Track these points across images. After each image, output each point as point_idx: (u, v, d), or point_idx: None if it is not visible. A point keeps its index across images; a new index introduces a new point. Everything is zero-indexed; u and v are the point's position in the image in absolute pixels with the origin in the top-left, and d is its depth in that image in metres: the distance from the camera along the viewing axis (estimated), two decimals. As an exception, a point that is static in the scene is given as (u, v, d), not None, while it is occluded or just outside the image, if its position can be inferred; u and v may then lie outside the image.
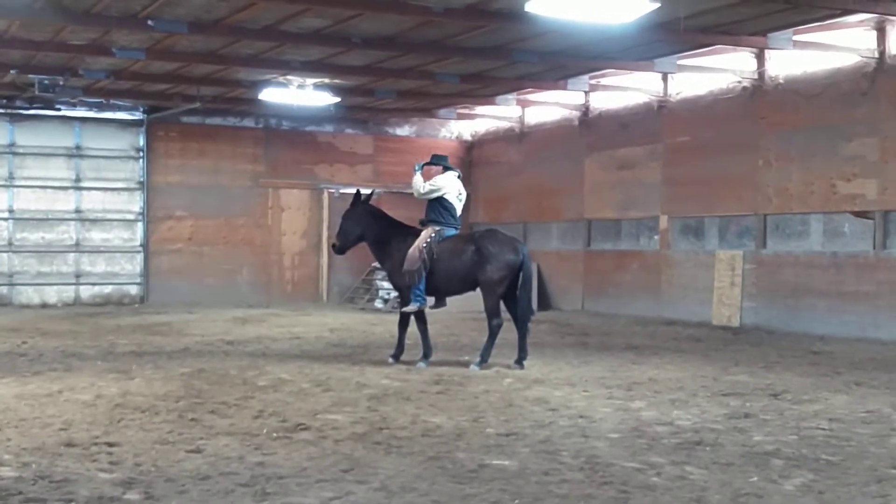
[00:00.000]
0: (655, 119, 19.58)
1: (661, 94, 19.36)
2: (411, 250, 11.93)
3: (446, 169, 12.47)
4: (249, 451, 7.13)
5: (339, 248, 12.86)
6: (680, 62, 17.59)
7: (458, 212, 12.31)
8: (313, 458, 6.90)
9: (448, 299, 12.68)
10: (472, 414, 8.68)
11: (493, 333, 11.92)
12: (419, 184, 12.25)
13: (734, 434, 7.88)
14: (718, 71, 17.73)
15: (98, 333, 15.68)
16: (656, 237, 19.76)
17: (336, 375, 11.01)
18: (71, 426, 7.98)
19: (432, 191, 12.19)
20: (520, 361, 11.81)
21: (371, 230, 12.61)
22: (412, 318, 12.23)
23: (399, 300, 12.74)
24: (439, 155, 13.18)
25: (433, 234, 11.99)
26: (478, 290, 12.12)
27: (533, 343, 14.50)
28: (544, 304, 21.96)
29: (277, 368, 11.59)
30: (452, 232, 12.21)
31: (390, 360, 12.18)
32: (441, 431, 7.90)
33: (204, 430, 7.87)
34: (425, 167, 12.67)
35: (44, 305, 21.66)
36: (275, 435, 7.69)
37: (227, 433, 7.76)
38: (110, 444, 7.28)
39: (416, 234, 12.22)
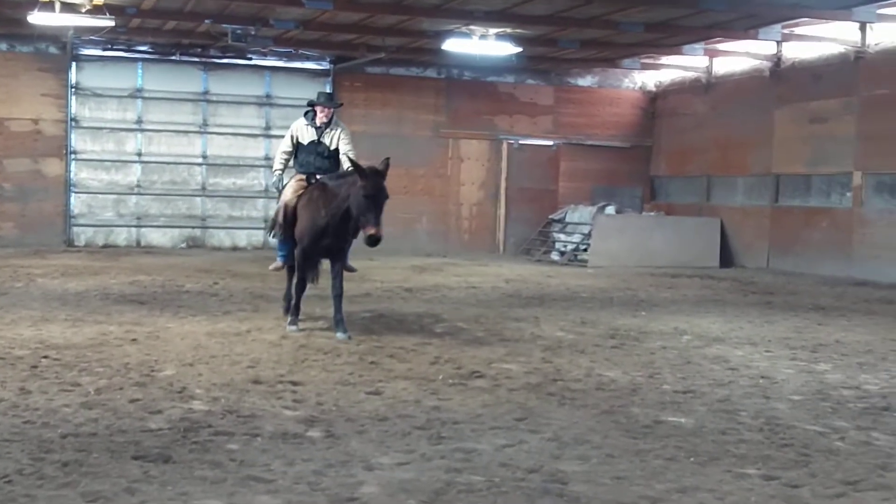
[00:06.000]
0: (852, 71, 18.63)
1: (859, 45, 18.36)
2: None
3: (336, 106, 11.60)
4: (426, 395, 7.28)
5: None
6: (880, 11, 16.72)
7: None
8: (487, 406, 6.98)
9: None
10: (647, 370, 8.58)
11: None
12: (351, 149, 11.28)
13: (926, 402, 7.51)
14: (923, 19, 16.74)
15: (284, 277, 16.19)
16: (849, 194, 18.90)
17: (511, 326, 11.08)
18: (258, 364, 8.32)
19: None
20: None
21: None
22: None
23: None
24: (323, 92, 12.18)
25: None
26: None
27: (714, 300, 14.18)
28: (727, 260, 21.42)
29: (454, 316, 11.75)
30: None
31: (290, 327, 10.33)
32: (615, 386, 7.85)
33: (383, 373, 8.07)
34: (312, 107, 11.74)
35: (234, 248, 22.59)
36: (450, 381, 7.82)
37: (404, 377, 7.93)
38: (294, 383, 7.56)
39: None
